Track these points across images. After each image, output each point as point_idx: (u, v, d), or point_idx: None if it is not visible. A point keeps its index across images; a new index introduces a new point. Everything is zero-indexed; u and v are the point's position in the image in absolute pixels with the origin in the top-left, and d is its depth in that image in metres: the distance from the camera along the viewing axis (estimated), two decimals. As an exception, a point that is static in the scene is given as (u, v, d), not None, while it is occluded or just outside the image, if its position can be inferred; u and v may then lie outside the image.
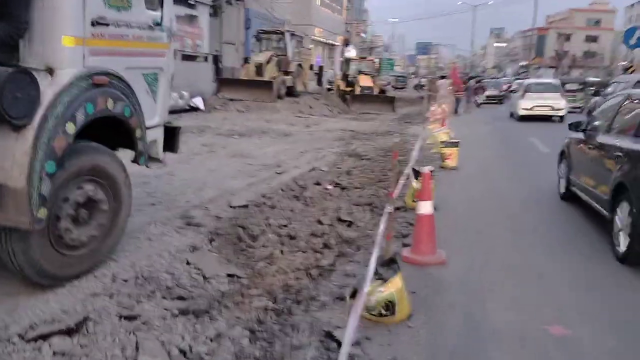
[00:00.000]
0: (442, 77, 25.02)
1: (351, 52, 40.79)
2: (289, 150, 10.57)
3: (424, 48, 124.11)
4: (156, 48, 4.27)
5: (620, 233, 4.76)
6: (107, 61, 3.68)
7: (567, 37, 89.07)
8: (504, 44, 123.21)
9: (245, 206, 6.34)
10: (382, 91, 29.23)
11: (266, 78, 20.79)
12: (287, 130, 13.84)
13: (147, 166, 4.44)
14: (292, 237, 5.69)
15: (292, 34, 23.45)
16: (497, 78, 52.49)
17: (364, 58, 29.51)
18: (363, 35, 70.32)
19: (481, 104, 29.34)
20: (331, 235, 5.93)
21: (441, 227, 5.68)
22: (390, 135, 14.74)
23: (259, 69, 21.07)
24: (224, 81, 20.93)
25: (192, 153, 9.43)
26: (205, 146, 10.26)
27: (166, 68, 4.54)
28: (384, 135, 14.47)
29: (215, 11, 31.12)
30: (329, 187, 7.95)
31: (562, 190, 7.22)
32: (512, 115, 22.13)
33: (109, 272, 4.04)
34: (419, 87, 58.51)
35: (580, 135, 6.58)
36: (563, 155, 7.41)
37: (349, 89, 27.20)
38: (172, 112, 15.62)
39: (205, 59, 25.25)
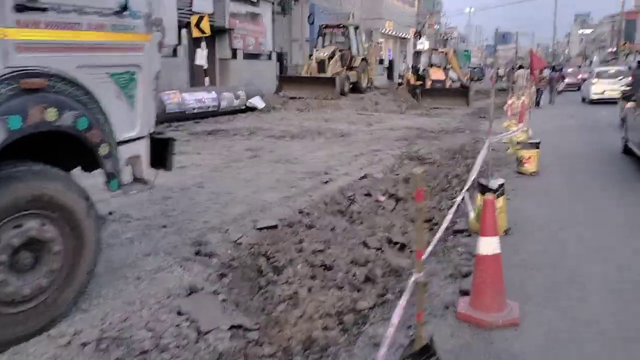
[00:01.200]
0: (520, 67, 22.92)
1: (423, 45, 39.18)
2: (342, 154, 9.46)
3: (503, 38, 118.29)
4: (128, 40, 3.32)
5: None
6: (46, 58, 2.76)
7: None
8: (590, 30, 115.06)
9: (274, 227, 5.33)
10: (463, 86, 27.42)
11: (328, 74, 19.78)
12: (346, 130, 12.73)
13: (123, 191, 3.50)
14: (327, 268, 4.63)
15: (357, 28, 22.27)
16: (579, 66, 48.58)
17: (435, 50, 27.72)
18: (436, 27, 67.61)
19: (561, 91, 28.81)
20: (377, 263, 4.83)
21: (514, 264, 4.39)
22: (460, 132, 13.25)
23: (322, 65, 20.09)
24: (285, 79, 20.16)
25: (232, 159, 8.57)
26: (250, 151, 9.38)
27: (146, 65, 3.59)
28: (454, 133, 13.00)
29: (282, 8, 30.60)
30: (382, 199, 6.80)
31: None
32: (583, 100, 25.14)
33: (70, 329, 3.14)
34: (497, 78, 55.41)
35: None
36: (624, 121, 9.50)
37: (419, 82, 25.67)
38: (229, 112, 15.06)
39: (269, 56, 24.70)
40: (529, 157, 7.69)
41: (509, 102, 17.15)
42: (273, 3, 27.61)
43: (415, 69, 26.99)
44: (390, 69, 45.70)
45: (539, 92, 21.53)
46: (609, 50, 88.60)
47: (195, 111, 13.09)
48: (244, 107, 15.45)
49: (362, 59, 21.93)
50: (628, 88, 11.95)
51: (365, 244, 5.27)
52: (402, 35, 51.20)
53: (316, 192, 6.83)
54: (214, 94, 13.91)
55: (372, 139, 11.54)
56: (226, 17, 21.30)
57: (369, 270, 4.65)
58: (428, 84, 24.97)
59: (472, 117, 17.93)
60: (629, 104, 8.83)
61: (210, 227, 5.21)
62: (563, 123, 15.96)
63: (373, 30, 46.10)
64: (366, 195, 6.84)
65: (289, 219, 5.68)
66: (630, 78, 16.23)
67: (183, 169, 7.65)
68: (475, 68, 60.20)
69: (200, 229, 5.16)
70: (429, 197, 7.01)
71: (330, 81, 19.14)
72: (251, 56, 23.28)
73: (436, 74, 25.27)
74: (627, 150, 9.15)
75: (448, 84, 26.03)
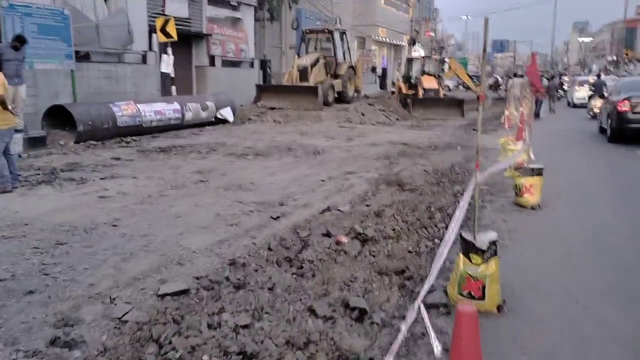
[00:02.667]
0: (515, 75, 21.62)
1: (418, 52, 37.89)
2: (308, 177, 8.05)
3: (500, 45, 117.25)
4: None
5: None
6: None
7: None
8: (589, 39, 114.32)
9: (185, 292, 3.91)
10: (479, 97, 26.01)
11: (311, 83, 18.40)
12: (321, 146, 11.33)
13: None
14: (248, 357, 3.24)
15: (343, 33, 20.92)
16: (579, 75, 47.36)
17: (428, 57, 26.40)
18: (432, 34, 66.53)
19: (560, 97, 29.14)
20: (322, 345, 3.44)
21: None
22: (451, 149, 11.85)
23: (304, 73, 18.72)
24: (264, 88, 18.77)
25: (173, 185, 7.14)
26: (199, 173, 7.95)
27: None
28: (443, 150, 11.61)
29: (271, 14, 29.30)
30: (344, 240, 5.38)
31: None
32: (569, 104, 28.88)
33: None
34: (494, 87, 54.21)
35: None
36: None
37: (411, 91, 24.35)
38: (196, 125, 13.65)
39: (252, 64, 23.34)
40: (530, 186, 6.27)
41: (506, 113, 15.81)
42: (255, 8, 26.35)
43: (407, 77, 25.67)
44: (383, 77, 44.48)
45: (537, 102, 20.20)
46: (609, 58, 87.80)
47: (153, 124, 11.67)
48: (213, 119, 14.05)
49: (349, 67, 20.57)
50: (591, 92, 22.14)
51: (312, 311, 3.88)
52: (397, 43, 50.10)
53: (261, 232, 5.42)
54: (176, 105, 12.49)
55: (349, 157, 10.13)
56: (203, 22, 19.95)
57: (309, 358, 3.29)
58: (420, 93, 23.63)
59: (466, 130, 16.56)
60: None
61: (92, 294, 3.78)
62: (567, 136, 14.60)
63: (365, 37, 44.98)
64: (325, 235, 5.42)
65: (212, 275, 4.27)
66: (592, 85, 23.52)
67: (103, 199, 6.24)
68: (473, 76, 59.09)
69: (79, 297, 3.74)
70: (404, 236, 5.62)
71: (313, 90, 17.77)
72: (231, 63, 21.91)
73: (429, 83, 23.92)
74: (601, 130, 14.99)
75: (442, 93, 24.72)
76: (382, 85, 42.16)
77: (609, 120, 13.56)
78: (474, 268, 3.42)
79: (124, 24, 15.50)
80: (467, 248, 3.48)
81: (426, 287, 3.15)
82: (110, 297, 3.71)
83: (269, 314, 3.76)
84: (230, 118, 14.52)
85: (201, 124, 13.56)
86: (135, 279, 4.05)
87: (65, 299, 3.68)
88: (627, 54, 48.35)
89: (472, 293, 3.43)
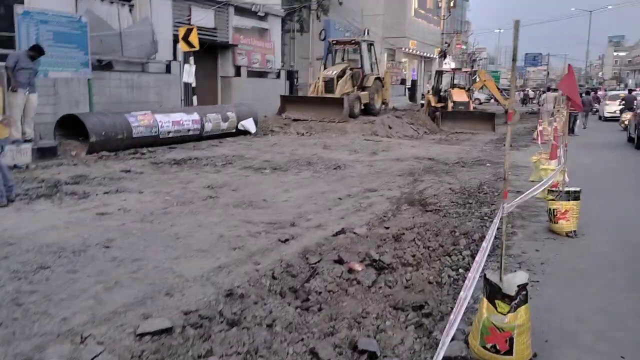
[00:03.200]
0: (550, 89, 20.77)
1: (449, 65, 37.26)
2: (325, 194, 7.54)
3: (533, 59, 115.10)
4: None
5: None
6: None
7: (703, 42, 78.12)
8: (625, 53, 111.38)
9: (167, 330, 3.44)
10: (506, 112, 25.39)
11: (336, 94, 17.95)
12: (343, 160, 10.83)
13: None
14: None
15: (371, 44, 20.45)
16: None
17: (458, 69, 25.71)
18: (463, 46, 65.58)
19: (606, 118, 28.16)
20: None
21: None
22: (480, 165, 11.19)
23: (329, 84, 18.28)
24: (288, 99, 18.39)
25: (179, 202, 6.72)
26: (210, 188, 7.53)
27: None
28: (472, 167, 10.96)
29: (301, 25, 29.09)
30: (357, 268, 4.87)
31: None
32: (600, 117, 29.53)
33: None
34: (527, 100, 53.01)
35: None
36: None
37: (440, 105, 23.71)
38: (216, 136, 13.29)
39: (278, 75, 23.06)
40: (565, 212, 5.62)
41: (539, 128, 15.05)
42: (283, 18, 26.16)
43: (436, 90, 25.04)
44: (413, 89, 43.84)
45: (571, 117, 19.30)
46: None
47: (171, 135, 11.36)
48: (234, 131, 13.69)
49: (376, 78, 20.05)
50: (622, 106, 23.63)
51: (314, 354, 3.38)
52: (427, 55, 49.44)
53: (267, 257, 4.93)
54: (195, 116, 12.18)
55: (370, 173, 9.59)
56: (229, 32, 19.78)
57: None
58: (450, 106, 22.95)
59: (496, 145, 15.83)
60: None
61: (63, 331, 3.34)
62: (603, 155, 13.74)
63: (396, 49, 44.46)
64: (337, 261, 4.91)
65: (203, 309, 3.80)
66: (623, 99, 24.77)
67: (101, 216, 5.85)
68: (504, 90, 58.01)
69: (47, 334, 3.30)
70: (425, 264, 5.06)
71: (338, 102, 17.30)
72: (257, 74, 21.67)
73: (459, 96, 23.22)
74: (630, 139, 16.51)
75: (472, 106, 23.98)
76: (412, 98, 41.55)
77: (637, 130, 15.24)
78: (499, 317, 2.86)
79: (148, 33, 15.37)
80: (492, 293, 2.91)
81: (444, 343, 2.59)
82: (81, 336, 3.25)
83: (263, 358, 3.27)
84: (252, 129, 14.16)
85: (221, 135, 13.23)
86: (114, 313, 3.60)
87: (32, 336, 3.25)
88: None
89: (498, 346, 2.86)
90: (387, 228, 6.03)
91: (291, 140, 13.87)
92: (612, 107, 27.17)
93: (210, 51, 19.55)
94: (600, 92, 39.66)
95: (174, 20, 16.79)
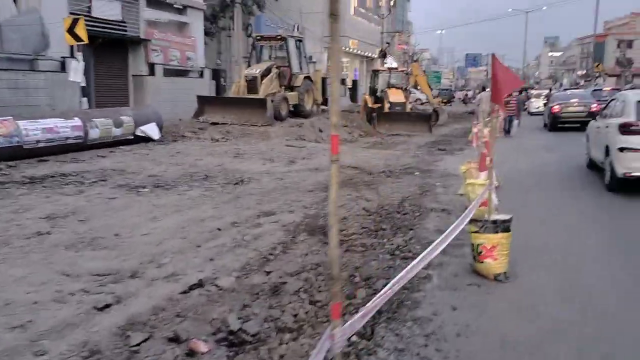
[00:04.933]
0: (484, 89, 19.95)
1: (390, 64, 36.25)
2: (204, 223, 5.95)
3: (473, 60, 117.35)
4: None
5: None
6: None
7: (629, 44, 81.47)
8: (559, 53, 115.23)
9: None
10: (435, 110, 24.55)
11: (260, 95, 16.34)
12: (251, 172, 9.27)
13: None
14: None
15: (300, 41, 18.96)
16: (550, 89, 46.41)
17: (395, 69, 24.64)
18: (404, 47, 65.28)
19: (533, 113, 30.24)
20: None
21: None
22: (407, 174, 9.89)
23: (252, 83, 16.65)
24: (207, 100, 16.62)
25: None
26: (49, 219, 5.77)
27: None
28: (398, 176, 9.64)
29: (247, 28, 27.21)
30: (202, 349, 3.36)
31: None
32: (529, 113, 32.47)
33: None
34: (465, 101, 53.18)
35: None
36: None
37: (377, 105, 22.53)
38: (106, 145, 11.38)
39: (201, 74, 21.25)
40: (492, 248, 4.28)
41: (475, 130, 14.01)
42: (215, 14, 24.34)
43: (372, 90, 23.87)
44: (354, 89, 42.81)
45: (507, 119, 18.51)
46: (579, 72, 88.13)
47: (41, 145, 9.43)
48: (131, 138, 11.85)
49: (306, 78, 18.57)
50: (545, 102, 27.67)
51: None
52: (369, 55, 48.60)
53: (63, 340, 3.30)
54: (77, 121, 10.26)
55: (277, 188, 8.06)
56: (140, 25, 17.81)
57: None
58: (386, 107, 21.81)
59: (430, 149, 14.67)
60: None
61: None
62: (539, 159, 12.80)
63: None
64: (172, 340, 3.36)
65: None
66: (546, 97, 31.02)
67: None
68: (444, 90, 57.94)
69: None
70: (309, 327, 3.61)
71: (261, 103, 15.71)
72: (176, 73, 19.78)
73: (395, 96, 22.11)
74: (544, 125, 22.14)
75: (409, 107, 22.94)
76: (353, 99, 40.49)
77: (548, 119, 21.61)
78: None
79: (36, 24, 13.29)
80: None
81: None
82: None
83: None
84: (155, 135, 12.36)
85: (114, 144, 11.36)
86: None
87: None
88: (597, 68, 47.59)
89: None
90: (268, 274, 4.51)
91: (201, 147, 12.17)
92: (537, 104, 32.29)
93: (118, 47, 17.54)
94: (532, 91, 40.23)
95: (69, 10, 14.69)
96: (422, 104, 44.03)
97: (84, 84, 12.39)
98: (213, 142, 13.20)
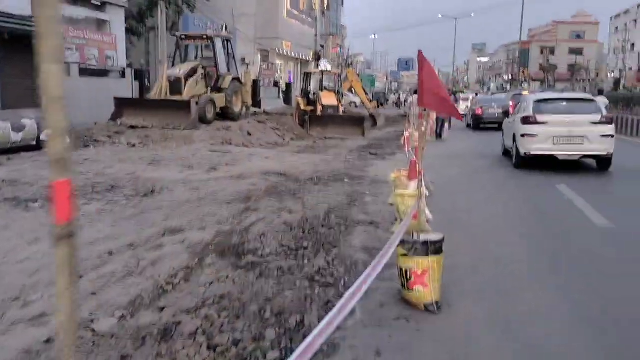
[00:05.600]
0: (415, 92, 19.90)
1: (324, 67, 35.91)
2: (95, 245, 5.10)
3: (406, 64, 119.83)
4: None
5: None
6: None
7: (552, 51, 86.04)
8: (487, 59, 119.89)
9: None
10: (371, 115, 24.36)
11: (184, 97, 15.38)
12: (166, 181, 8.42)
13: None
14: None
15: (227, 41, 18.12)
16: (477, 94, 47.95)
17: (328, 71, 24.24)
18: (338, 50, 65.42)
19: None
20: None
21: None
22: (336, 181, 9.35)
23: (176, 85, 15.66)
24: (126, 102, 15.46)
25: None
26: None
27: None
28: (326, 184, 9.08)
29: (172, 26, 25.83)
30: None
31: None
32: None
33: None
34: (398, 104, 53.90)
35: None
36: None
37: (309, 108, 22.03)
38: (5, 151, 10.11)
39: (122, 74, 19.93)
40: (423, 273, 3.76)
41: (406, 134, 13.74)
42: (142, 12, 22.99)
43: (305, 93, 23.34)
44: (288, 92, 42.20)
45: (438, 121, 18.50)
46: (505, 77, 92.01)
47: None
48: (34, 144, 10.64)
49: (234, 79, 17.75)
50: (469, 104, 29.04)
51: None
52: (304, 57, 48.21)
53: None
54: (-36, 125, 9.04)
55: (191, 200, 7.28)
56: (53, 22, 16.35)
57: None
58: (319, 109, 21.35)
59: (361, 153, 14.27)
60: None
61: None
62: (470, 162, 12.68)
63: (270, 50, 42.56)
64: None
65: None
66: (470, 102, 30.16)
67: None
68: (378, 93, 58.45)
69: None
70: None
71: (185, 105, 14.77)
72: (94, 73, 18.41)
73: (328, 99, 21.69)
74: (467, 125, 25.04)
75: (342, 110, 22.57)
76: (287, 101, 39.89)
77: (471, 119, 24.85)
78: None
79: None
80: None
81: None
82: None
83: None
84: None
85: (13, 150, 10.12)
86: None
87: None
88: (523, 73, 49.63)
89: None
90: (161, 310, 3.78)
91: (113, 153, 11.12)
92: (463, 106, 33.17)
93: (28, 44, 16.02)
94: (461, 95, 41.45)
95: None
96: (356, 106, 44.16)
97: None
98: (129, 148, 12.17)
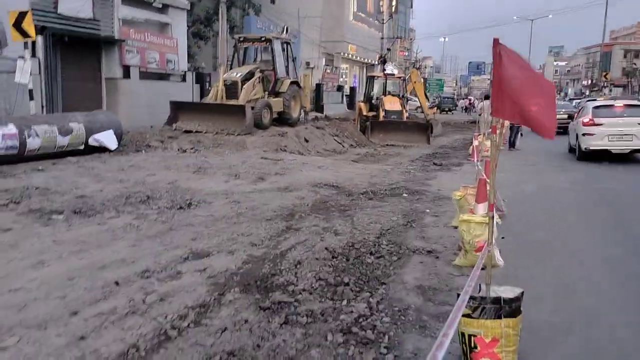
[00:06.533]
0: (487, 97, 18.44)
1: (391, 71, 34.93)
2: (106, 269, 4.46)
3: (477, 67, 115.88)
4: None
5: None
6: None
7: (636, 54, 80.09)
8: (564, 63, 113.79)
9: None
10: (428, 122, 22.85)
11: (240, 101, 14.87)
12: (206, 192, 7.79)
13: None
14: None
15: (287, 43, 17.51)
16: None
17: (391, 75, 23.16)
18: (406, 53, 63.92)
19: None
20: None
21: None
22: (394, 196, 8.37)
23: (232, 88, 15.18)
24: (182, 106, 15.13)
25: None
26: None
27: None
28: (382, 199, 8.13)
29: (231, 28, 25.87)
30: None
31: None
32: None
33: None
34: (468, 109, 51.71)
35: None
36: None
37: (371, 114, 21.09)
38: (52, 155, 9.83)
39: (183, 78, 19.81)
40: (493, 342, 2.77)
41: (475, 142, 12.51)
42: (189, 11, 22.93)
43: (367, 98, 22.40)
44: (352, 96, 41.37)
45: (513, 129, 17.01)
46: (584, 82, 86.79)
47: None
48: (82, 148, 10.38)
49: (292, 83, 17.10)
50: None
51: None
52: (370, 62, 47.28)
53: None
54: (11, 129, 8.80)
55: (228, 215, 6.56)
56: (115, 24, 16.40)
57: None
58: (381, 115, 20.34)
59: (424, 163, 13.17)
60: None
61: None
62: (550, 181, 11.30)
63: (335, 54, 41.96)
64: None
65: None
66: None
67: None
68: (447, 97, 56.45)
69: None
70: None
71: (240, 110, 14.24)
72: (155, 76, 18.35)
73: (391, 104, 20.62)
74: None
75: (405, 115, 21.39)
76: (351, 106, 39.10)
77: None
78: None
79: (-7, 21, 11.89)
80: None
81: None
82: None
83: None
84: (112, 145, 10.88)
85: (60, 154, 9.88)
86: None
87: None
88: (605, 77, 46.18)
89: None
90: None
91: (161, 159, 10.68)
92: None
93: (89, 47, 16.15)
94: None
95: (31, 6, 13.28)
96: (422, 112, 42.58)
97: (31, 86, 10.91)
98: (179, 153, 11.73)
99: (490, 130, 11.01)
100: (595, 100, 21.18)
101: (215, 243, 5.36)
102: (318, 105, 30.82)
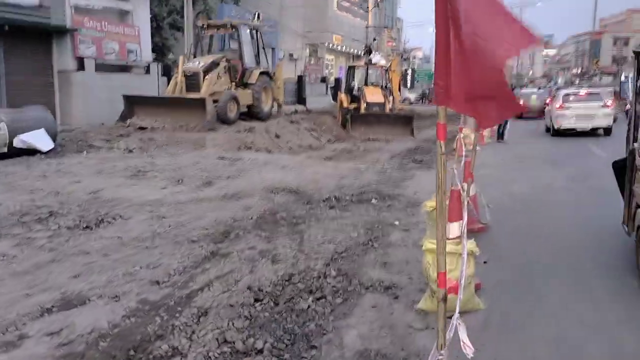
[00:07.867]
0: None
1: (377, 61, 33.28)
2: None
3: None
4: None
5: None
6: None
7: (626, 42, 79.17)
8: (554, 51, 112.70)
9: None
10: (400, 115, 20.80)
11: (202, 94, 13.45)
12: (130, 203, 6.41)
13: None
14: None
15: (255, 30, 16.06)
16: (539, 88, 43.75)
17: (373, 64, 21.73)
18: (393, 43, 62.43)
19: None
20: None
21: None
22: (361, 202, 7.04)
23: (193, 80, 13.76)
24: (137, 101, 13.68)
25: None
26: None
27: None
28: (346, 206, 6.79)
29: (209, 17, 24.30)
30: None
31: None
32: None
33: None
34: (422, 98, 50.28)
35: None
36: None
37: (352, 106, 19.67)
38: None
39: (147, 70, 18.32)
40: None
41: (460, 135, 11.24)
42: (169, 2, 21.48)
43: (348, 89, 20.98)
44: (336, 88, 39.96)
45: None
46: (574, 71, 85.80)
47: None
48: (5, 151, 8.95)
49: (262, 73, 15.67)
50: None
51: None
52: (355, 52, 45.80)
53: None
54: None
55: (140, 237, 5.18)
56: (67, 12, 14.91)
57: None
58: (362, 107, 18.95)
59: (403, 160, 11.85)
60: None
61: None
62: (541, 179, 10.01)
63: (319, 44, 40.53)
64: None
65: None
66: None
67: None
68: (431, 89, 55.08)
69: None
70: None
71: (199, 104, 12.84)
72: (115, 68, 16.86)
73: (372, 95, 19.23)
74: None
75: (388, 107, 19.94)
76: (336, 98, 37.70)
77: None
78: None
79: None
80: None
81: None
82: None
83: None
84: (45, 146, 9.46)
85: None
86: None
87: None
88: (596, 65, 45.13)
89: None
90: None
91: (100, 162, 9.28)
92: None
93: (38, 37, 14.67)
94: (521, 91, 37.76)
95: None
96: (411, 103, 41.11)
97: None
98: (125, 154, 10.32)
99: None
100: (565, 89, 24.16)
101: (103, 282, 4.00)
102: (300, 98, 29.40)
